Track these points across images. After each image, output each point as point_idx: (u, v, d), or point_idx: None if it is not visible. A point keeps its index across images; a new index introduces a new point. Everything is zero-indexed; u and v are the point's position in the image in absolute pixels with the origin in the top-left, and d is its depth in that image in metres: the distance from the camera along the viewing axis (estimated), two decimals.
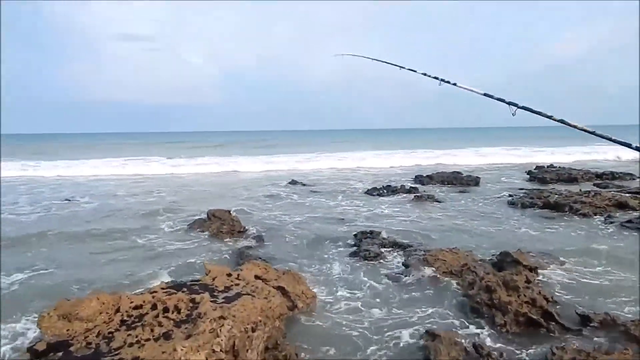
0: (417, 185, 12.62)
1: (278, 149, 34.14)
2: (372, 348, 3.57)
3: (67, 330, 3.20)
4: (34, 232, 7.58)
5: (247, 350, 3.03)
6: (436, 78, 3.46)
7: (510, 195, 10.43)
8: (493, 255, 5.58)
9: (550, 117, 2.33)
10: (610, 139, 2.32)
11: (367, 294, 4.69)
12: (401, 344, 3.63)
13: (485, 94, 2.88)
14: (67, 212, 9.66)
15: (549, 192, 9.71)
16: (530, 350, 3.46)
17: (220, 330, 2.89)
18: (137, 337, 3.02)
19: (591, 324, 3.74)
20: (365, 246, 6.15)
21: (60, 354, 2.96)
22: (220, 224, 7.50)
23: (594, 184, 11.94)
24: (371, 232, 6.83)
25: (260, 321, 3.26)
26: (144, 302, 3.53)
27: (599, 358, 3.04)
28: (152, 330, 3.09)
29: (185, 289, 3.81)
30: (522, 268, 4.78)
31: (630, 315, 3.94)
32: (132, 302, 3.52)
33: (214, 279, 4.11)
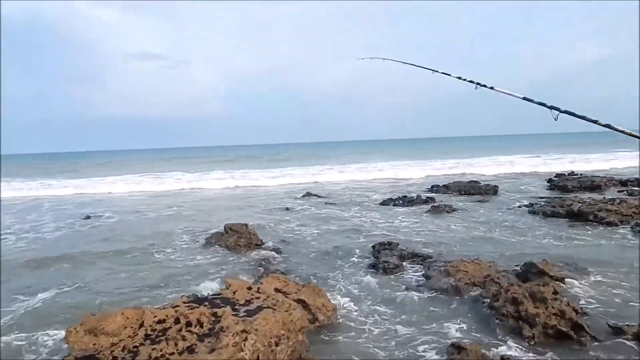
0: (433, 195, 12.49)
1: (291, 162, 34.35)
2: None
3: (94, 344, 3.23)
4: (57, 251, 7.72)
5: None
6: (472, 82, 3.37)
7: (530, 204, 10.23)
8: (516, 265, 5.46)
9: (595, 122, 2.25)
10: None
11: (388, 307, 4.62)
12: (426, 357, 3.55)
13: (524, 98, 2.79)
14: (88, 229, 9.83)
15: (572, 200, 9.48)
16: None
17: (245, 345, 2.88)
18: (161, 351, 3.02)
19: (623, 336, 3.61)
20: (384, 258, 6.08)
21: None
22: (237, 237, 7.54)
23: (619, 191, 11.64)
24: (389, 244, 6.76)
25: (283, 335, 3.23)
26: (167, 316, 3.55)
27: None
28: (176, 345, 3.09)
29: (206, 303, 3.81)
30: (548, 279, 4.66)
31: None
32: (155, 317, 3.53)
33: (234, 293, 4.10)
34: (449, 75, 3.79)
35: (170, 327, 3.39)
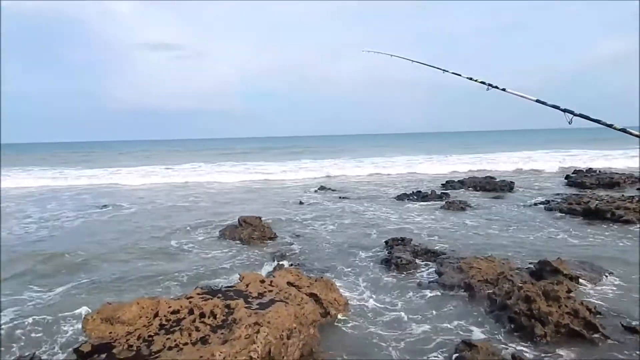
0: (448, 191, 12.39)
1: (306, 155, 34.43)
2: (407, 359, 3.53)
3: (110, 332, 3.33)
4: (76, 240, 7.93)
5: (283, 357, 3.06)
6: (483, 83, 3.32)
7: (546, 201, 10.07)
8: (531, 263, 5.40)
9: (610, 126, 2.22)
10: None
11: (400, 303, 4.64)
12: (436, 354, 3.57)
13: (537, 100, 2.76)
14: (106, 219, 10.06)
15: (589, 198, 9.30)
16: None
17: (257, 337, 2.94)
18: (175, 341, 3.10)
19: (638, 336, 3.56)
20: (397, 253, 6.07)
21: (103, 355, 3.08)
22: (251, 230, 7.62)
23: (638, 189, 11.37)
24: (402, 239, 6.75)
25: (295, 328, 3.28)
26: (181, 307, 3.63)
27: None
28: (189, 335, 3.17)
29: (220, 295, 3.88)
30: (562, 277, 4.60)
31: None
32: (170, 307, 3.62)
33: (247, 285, 4.16)
34: (460, 75, 3.75)
35: (184, 318, 3.47)
